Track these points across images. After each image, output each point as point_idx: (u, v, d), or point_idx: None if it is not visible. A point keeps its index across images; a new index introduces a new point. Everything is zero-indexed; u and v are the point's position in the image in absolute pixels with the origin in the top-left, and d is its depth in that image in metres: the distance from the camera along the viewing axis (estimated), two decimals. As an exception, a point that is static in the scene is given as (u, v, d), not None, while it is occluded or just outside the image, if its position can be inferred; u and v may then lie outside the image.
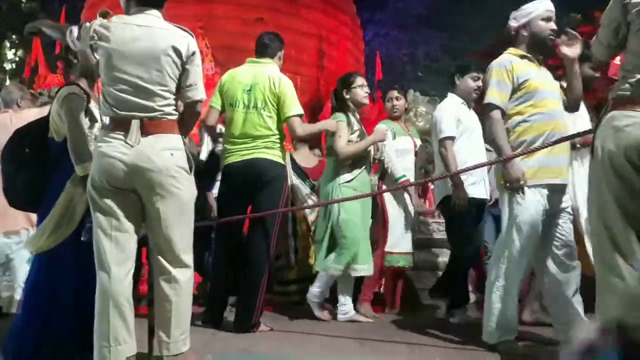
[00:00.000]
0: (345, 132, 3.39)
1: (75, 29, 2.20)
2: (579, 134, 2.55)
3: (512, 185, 2.54)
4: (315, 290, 3.45)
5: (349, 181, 3.39)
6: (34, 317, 2.29)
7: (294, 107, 3.08)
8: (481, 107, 2.79)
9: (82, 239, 2.22)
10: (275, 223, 3.07)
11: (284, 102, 3.07)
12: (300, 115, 3.12)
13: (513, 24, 2.77)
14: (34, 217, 2.71)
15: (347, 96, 3.48)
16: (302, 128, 3.18)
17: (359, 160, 3.44)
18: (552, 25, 2.70)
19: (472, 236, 3.32)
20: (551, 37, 2.68)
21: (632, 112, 1.91)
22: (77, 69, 2.46)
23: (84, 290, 2.24)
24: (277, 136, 3.10)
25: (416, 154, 3.87)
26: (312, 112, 5.62)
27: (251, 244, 3.07)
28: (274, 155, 3.07)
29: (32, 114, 3.13)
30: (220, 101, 3.19)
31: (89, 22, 2.10)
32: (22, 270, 3.19)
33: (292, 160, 4.02)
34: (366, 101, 3.53)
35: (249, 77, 3.14)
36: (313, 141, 4.52)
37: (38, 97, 4.16)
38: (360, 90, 3.48)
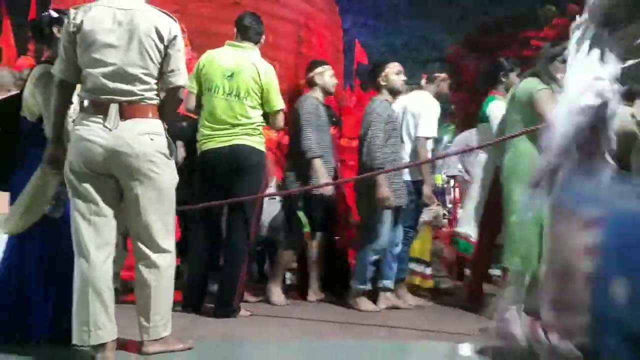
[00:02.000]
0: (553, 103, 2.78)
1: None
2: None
3: None
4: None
5: None
6: (6, 301, 2.28)
7: (278, 100, 3.08)
8: None
9: (46, 213, 2.21)
10: (254, 210, 3.07)
11: (269, 95, 3.06)
12: (282, 109, 3.14)
13: None
14: None
15: (549, 67, 3.00)
16: (281, 122, 3.19)
17: None
18: None
19: None
20: None
21: None
22: (54, 47, 2.38)
23: (53, 271, 2.25)
24: (257, 124, 3.09)
25: None
26: (290, 99, 5.62)
27: (231, 230, 3.07)
28: (255, 142, 3.06)
29: None
30: (197, 85, 3.13)
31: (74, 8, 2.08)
32: None
33: None
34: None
35: (230, 62, 3.07)
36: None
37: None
38: (562, 67, 2.90)
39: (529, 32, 12.41)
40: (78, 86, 2.14)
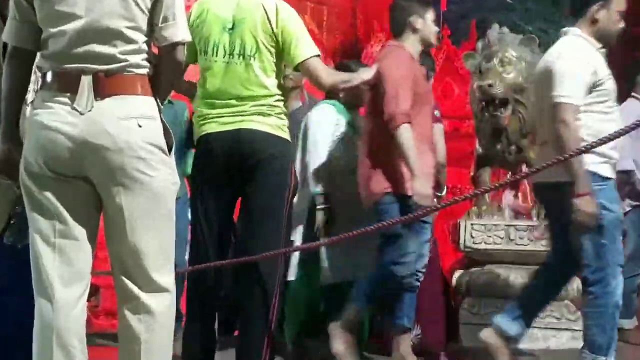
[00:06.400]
0: None
1: None
2: None
3: None
4: None
5: None
6: None
7: (308, 45, 2.81)
8: None
9: (4, 241, 2.23)
10: (281, 221, 2.86)
11: (292, 42, 2.77)
12: (319, 56, 2.86)
13: None
14: None
15: None
16: (330, 74, 2.92)
17: None
18: None
19: None
20: None
21: None
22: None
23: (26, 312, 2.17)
24: (275, 98, 2.83)
25: None
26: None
27: (250, 253, 2.84)
28: (270, 125, 2.80)
29: None
30: (190, 50, 2.85)
31: None
32: None
33: None
34: None
35: (230, 9, 2.83)
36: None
37: None
38: None
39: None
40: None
